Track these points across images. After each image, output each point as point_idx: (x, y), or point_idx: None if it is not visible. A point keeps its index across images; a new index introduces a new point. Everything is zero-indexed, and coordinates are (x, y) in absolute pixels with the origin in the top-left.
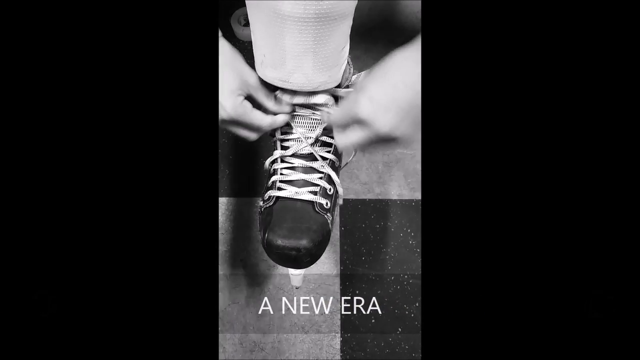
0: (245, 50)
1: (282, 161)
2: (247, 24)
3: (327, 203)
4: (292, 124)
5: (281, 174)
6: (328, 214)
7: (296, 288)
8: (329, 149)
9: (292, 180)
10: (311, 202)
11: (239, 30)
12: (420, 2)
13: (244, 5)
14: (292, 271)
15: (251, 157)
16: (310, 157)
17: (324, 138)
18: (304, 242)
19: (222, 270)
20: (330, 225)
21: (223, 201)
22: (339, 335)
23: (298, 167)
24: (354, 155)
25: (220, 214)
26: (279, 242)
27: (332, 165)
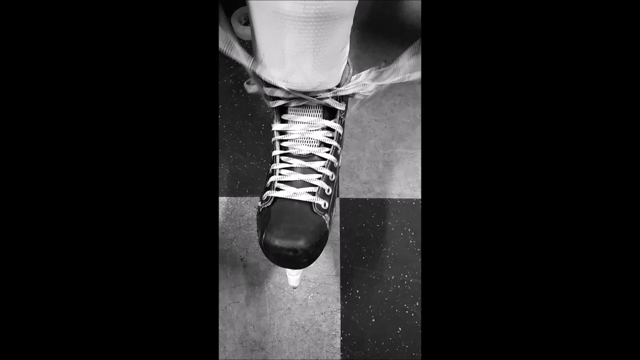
0: (246, 50)
1: (281, 161)
2: (247, 23)
3: (325, 204)
4: (291, 123)
5: (280, 174)
6: (326, 215)
7: (294, 288)
8: (327, 149)
9: (291, 181)
10: (309, 203)
11: (239, 29)
12: (420, 1)
13: (244, 4)
14: (289, 271)
15: (251, 157)
16: (309, 157)
17: (323, 138)
18: (301, 243)
19: (222, 270)
20: (328, 226)
21: (223, 201)
22: (339, 334)
23: (297, 167)
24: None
25: (220, 213)
26: (276, 242)
27: (331, 166)
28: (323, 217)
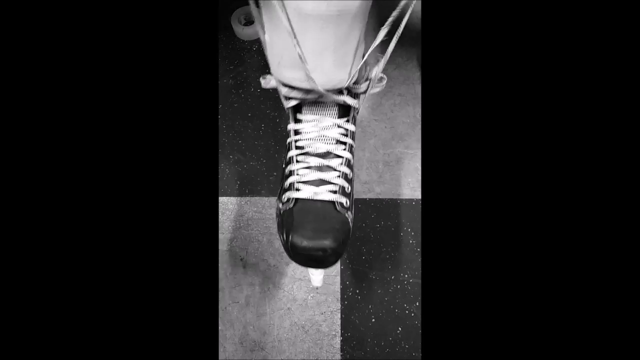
0: (245, 50)
1: (298, 161)
2: (247, 23)
3: (346, 202)
4: (306, 122)
5: (298, 174)
6: (348, 212)
7: (317, 288)
8: (344, 147)
9: (310, 180)
10: (331, 202)
11: (239, 29)
12: (420, 2)
13: (244, 4)
14: (312, 271)
15: (251, 157)
16: (326, 155)
17: (339, 136)
18: (328, 242)
19: (222, 270)
20: (350, 224)
21: (223, 201)
22: (339, 334)
23: (314, 166)
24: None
25: (220, 213)
26: (305, 243)
27: (348, 163)
28: (346, 214)
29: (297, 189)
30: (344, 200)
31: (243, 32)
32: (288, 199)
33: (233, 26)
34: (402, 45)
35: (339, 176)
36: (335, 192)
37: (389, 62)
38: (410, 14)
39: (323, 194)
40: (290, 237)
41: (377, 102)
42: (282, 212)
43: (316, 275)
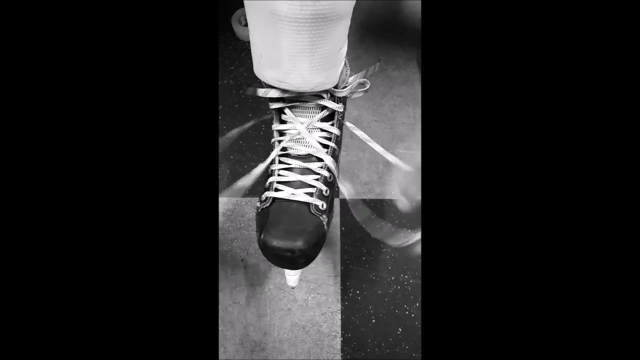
0: (246, 51)
1: (280, 162)
2: (247, 23)
3: (323, 204)
4: (289, 123)
5: (278, 174)
6: (324, 216)
7: (292, 288)
8: (326, 150)
9: (289, 181)
10: (307, 204)
11: (239, 30)
12: (420, 2)
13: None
14: (287, 271)
15: (251, 157)
16: (307, 158)
17: (321, 140)
18: (298, 244)
19: (223, 270)
20: (326, 227)
21: (224, 201)
22: (340, 335)
23: (295, 168)
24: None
25: (220, 214)
26: (274, 243)
27: (329, 167)
28: (321, 217)
29: (276, 189)
30: (320, 202)
31: (243, 32)
32: (266, 198)
33: (233, 26)
34: (402, 45)
35: (317, 179)
36: (312, 194)
37: (388, 63)
38: (410, 14)
39: (300, 195)
40: (262, 235)
41: (377, 102)
42: (259, 210)
43: (291, 275)
